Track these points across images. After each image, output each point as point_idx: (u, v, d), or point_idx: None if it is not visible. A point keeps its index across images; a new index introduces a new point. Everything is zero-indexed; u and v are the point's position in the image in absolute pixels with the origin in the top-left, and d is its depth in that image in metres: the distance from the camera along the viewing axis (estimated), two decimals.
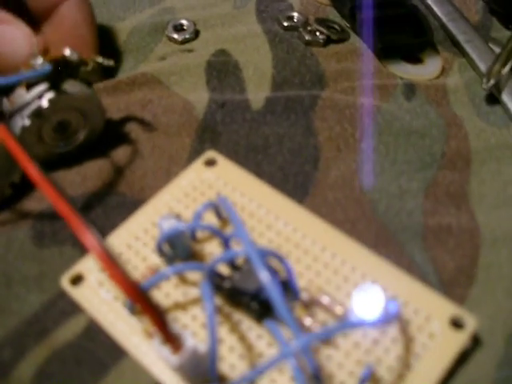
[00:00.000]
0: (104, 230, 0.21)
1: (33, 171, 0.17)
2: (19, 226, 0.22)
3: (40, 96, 0.22)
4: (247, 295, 0.18)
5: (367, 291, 0.18)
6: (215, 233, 0.19)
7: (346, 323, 0.16)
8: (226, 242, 0.18)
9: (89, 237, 0.15)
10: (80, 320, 0.19)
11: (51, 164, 0.23)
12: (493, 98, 0.26)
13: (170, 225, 0.18)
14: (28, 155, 0.18)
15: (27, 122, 0.22)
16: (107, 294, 0.19)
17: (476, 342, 0.18)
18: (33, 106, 0.22)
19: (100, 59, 0.23)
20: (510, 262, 0.20)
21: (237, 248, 0.19)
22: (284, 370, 0.17)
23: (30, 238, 0.21)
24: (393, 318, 0.17)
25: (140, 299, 0.14)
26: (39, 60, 0.22)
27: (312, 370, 0.15)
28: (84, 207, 0.22)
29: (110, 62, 0.23)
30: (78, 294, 0.20)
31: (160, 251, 0.19)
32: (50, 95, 0.22)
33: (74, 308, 0.20)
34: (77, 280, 0.20)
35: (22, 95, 0.22)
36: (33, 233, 0.22)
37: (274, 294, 0.14)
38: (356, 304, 0.18)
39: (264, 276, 0.15)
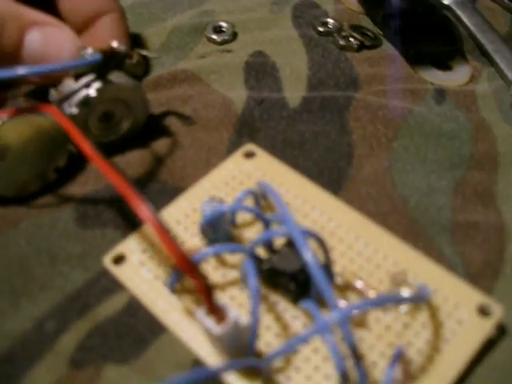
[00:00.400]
0: None
1: (88, 148, 0.18)
2: (63, 208, 0.23)
3: (88, 85, 0.23)
4: (286, 276, 0.18)
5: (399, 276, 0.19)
6: (257, 215, 0.20)
7: (381, 297, 0.17)
8: (266, 225, 0.19)
9: (144, 208, 0.16)
10: (121, 297, 0.20)
11: None
12: None
13: (214, 207, 0.19)
14: (82, 133, 0.19)
15: (75, 111, 0.23)
16: (148, 273, 0.20)
17: (501, 331, 0.19)
18: (81, 95, 0.23)
19: (144, 52, 0.24)
20: None
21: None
22: (319, 349, 0.18)
23: (73, 219, 0.22)
24: (425, 297, 0.18)
25: (190, 269, 0.15)
26: (89, 50, 0.23)
27: (348, 343, 0.15)
28: None
29: (155, 54, 0.24)
30: (120, 272, 0.21)
31: (204, 232, 0.19)
32: (97, 85, 0.23)
33: (115, 286, 0.20)
34: (119, 260, 0.21)
35: (69, 85, 0.23)
36: (76, 214, 0.23)
37: (316, 270, 0.15)
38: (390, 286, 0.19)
39: (307, 253, 0.16)
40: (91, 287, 0.21)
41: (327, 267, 0.18)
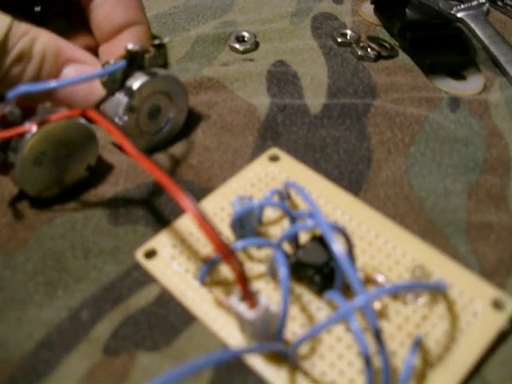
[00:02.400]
0: (175, 212, 0.24)
1: (130, 147, 0.19)
2: (96, 206, 0.24)
3: (126, 92, 0.24)
4: (311, 269, 0.20)
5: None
6: (285, 210, 0.21)
7: (402, 284, 0.18)
8: (293, 220, 0.20)
9: (185, 199, 0.17)
10: (153, 289, 0.21)
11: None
12: None
13: (244, 203, 0.20)
14: (123, 133, 0.20)
15: (125, 118, 0.24)
16: (179, 267, 0.22)
17: None
18: (124, 103, 0.24)
19: (156, 41, 0.25)
20: None
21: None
22: (342, 338, 0.19)
23: (105, 216, 0.24)
24: (444, 287, 0.19)
25: (229, 256, 0.17)
26: (111, 61, 0.24)
27: (373, 327, 0.16)
28: (155, 192, 0.25)
29: (165, 39, 0.25)
30: (152, 266, 0.22)
31: (234, 227, 0.21)
32: (135, 85, 0.24)
33: (147, 279, 0.22)
34: (151, 254, 0.22)
35: (109, 102, 0.25)
36: (108, 212, 0.24)
37: (342, 258, 0.16)
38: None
39: (334, 243, 0.17)
40: (124, 280, 0.22)
41: (352, 259, 0.20)
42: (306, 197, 0.19)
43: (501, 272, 0.22)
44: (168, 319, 0.21)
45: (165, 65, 0.29)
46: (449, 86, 0.29)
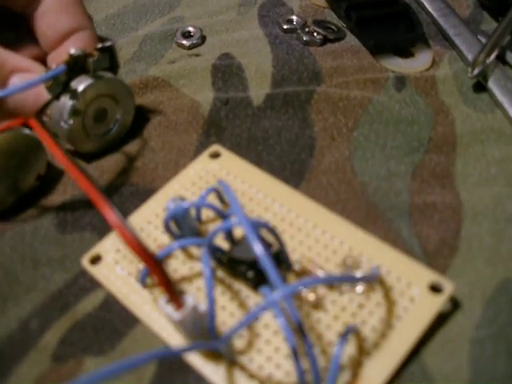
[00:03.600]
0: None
1: (62, 157, 0.19)
2: (44, 215, 0.24)
3: (70, 96, 0.25)
4: (244, 264, 0.20)
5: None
6: (214, 210, 0.21)
7: (325, 278, 0.18)
8: (224, 219, 0.21)
9: (110, 213, 0.17)
10: (99, 295, 0.22)
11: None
12: (480, 86, 0.27)
13: (176, 204, 0.20)
14: (56, 143, 0.20)
15: (71, 122, 0.25)
16: (122, 270, 0.22)
17: (456, 305, 0.20)
18: (68, 107, 0.25)
19: (99, 45, 0.25)
20: (490, 233, 0.22)
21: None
22: (279, 332, 0.19)
23: (53, 225, 0.24)
24: (374, 277, 0.19)
25: (151, 264, 0.17)
26: (53, 65, 0.24)
27: (295, 321, 0.16)
28: None
29: (108, 43, 0.25)
30: (97, 271, 0.22)
31: (167, 228, 0.21)
32: (79, 89, 0.24)
33: (93, 285, 0.22)
34: (96, 260, 0.22)
35: (54, 106, 0.25)
36: (56, 221, 0.24)
37: (260, 253, 0.17)
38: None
39: (253, 241, 0.17)
40: (71, 287, 0.22)
41: (281, 253, 0.20)
42: (230, 195, 0.19)
43: (444, 253, 0.21)
44: (113, 323, 0.21)
45: (111, 68, 0.28)
46: (396, 65, 0.29)
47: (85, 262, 0.22)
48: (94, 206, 0.23)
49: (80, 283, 0.22)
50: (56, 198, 0.25)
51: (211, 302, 0.18)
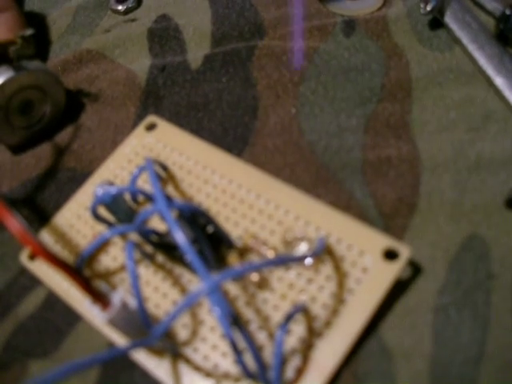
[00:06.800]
0: (58, 204, 0.22)
1: None
2: None
3: None
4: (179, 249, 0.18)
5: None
6: (143, 194, 0.19)
7: (258, 263, 0.17)
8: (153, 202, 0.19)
9: (14, 223, 0.15)
10: (40, 293, 0.21)
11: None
12: (436, 23, 0.25)
13: (104, 190, 0.19)
14: None
15: None
16: None
17: (417, 271, 0.18)
18: None
19: (20, 33, 0.23)
20: (451, 186, 0.20)
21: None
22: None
23: None
24: (318, 251, 0.17)
25: (63, 268, 0.15)
26: None
27: (228, 313, 0.15)
28: (38, 186, 0.23)
29: (29, 31, 0.23)
30: (36, 267, 0.21)
31: (96, 217, 0.19)
32: None
33: (33, 282, 0.21)
34: (34, 255, 0.21)
35: None
36: None
37: (179, 238, 0.15)
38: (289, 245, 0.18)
39: (175, 232, 0.15)
40: (12, 287, 0.21)
41: (216, 235, 0.18)
42: (153, 179, 0.17)
43: (402, 212, 0.20)
44: (55, 322, 0.20)
45: (37, 54, 0.26)
46: (344, 8, 0.27)
47: (23, 258, 0.21)
48: (30, 199, 0.23)
49: (21, 282, 0.21)
50: None
51: (139, 297, 0.16)
